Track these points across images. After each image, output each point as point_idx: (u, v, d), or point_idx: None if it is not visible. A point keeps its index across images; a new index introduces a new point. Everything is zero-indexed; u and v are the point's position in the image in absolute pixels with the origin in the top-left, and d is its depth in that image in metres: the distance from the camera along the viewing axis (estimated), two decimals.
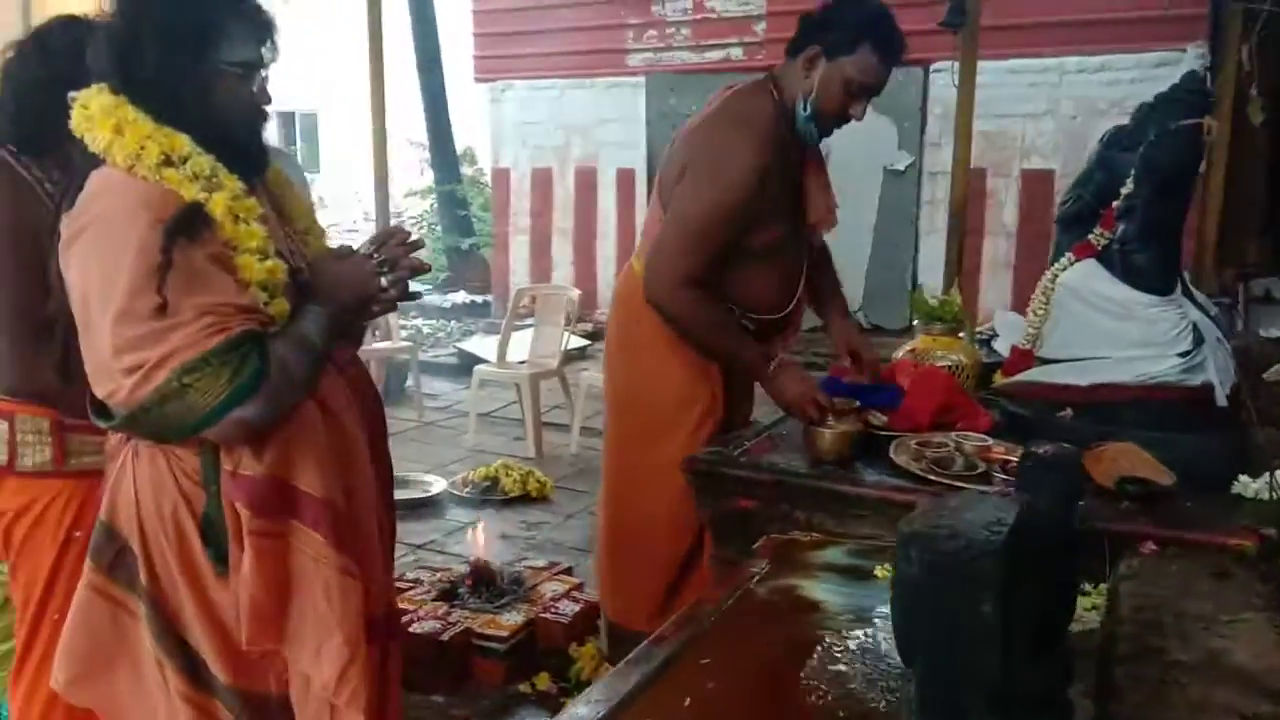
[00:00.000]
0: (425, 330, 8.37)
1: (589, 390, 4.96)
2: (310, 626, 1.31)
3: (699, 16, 7.59)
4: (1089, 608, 1.50)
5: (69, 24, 1.71)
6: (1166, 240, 2.05)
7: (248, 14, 1.33)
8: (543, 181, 8.48)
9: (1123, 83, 6.25)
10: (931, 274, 6.71)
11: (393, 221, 9.81)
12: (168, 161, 1.26)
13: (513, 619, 2.76)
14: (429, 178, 11.67)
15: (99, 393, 1.27)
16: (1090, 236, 2.16)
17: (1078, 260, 2.17)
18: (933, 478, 1.86)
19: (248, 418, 1.24)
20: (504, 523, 4.03)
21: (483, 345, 6.93)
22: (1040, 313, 2.24)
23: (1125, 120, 2.26)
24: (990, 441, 2.03)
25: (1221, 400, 1.98)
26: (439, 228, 11.29)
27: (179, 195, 1.25)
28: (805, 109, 2.07)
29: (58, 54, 1.67)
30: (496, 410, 6.00)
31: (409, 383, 6.17)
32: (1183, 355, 2.00)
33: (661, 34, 7.75)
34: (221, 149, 1.33)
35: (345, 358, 1.49)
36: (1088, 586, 1.55)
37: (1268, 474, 1.75)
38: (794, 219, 2.21)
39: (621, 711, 1.24)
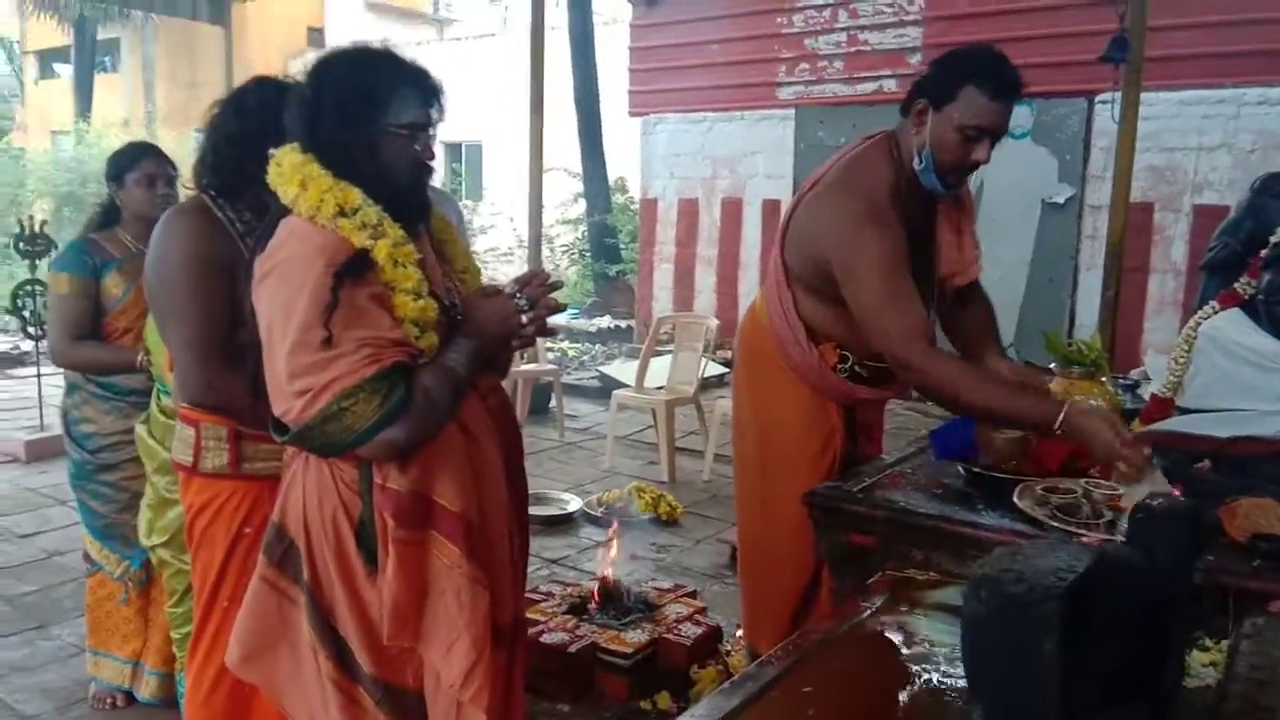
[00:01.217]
0: (571, 353, 8.67)
1: (723, 418, 5.03)
2: (442, 627, 1.45)
3: (852, 49, 7.61)
4: (1207, 663, 1.47)
5: (262, 85, 1.95)
6: None
7: (414, 81, 1.51)
8: (689, 212, 8.66)
9: None
10: (1090, 312, 6.45)
11: (544, 248, 10.19)
12: (341, 212, 1.44)
13: (637, 637, 2.86)
14: (582, 206, 12.07)
15: (276, 411, 1.46)
16: (1237, 285, 2.10)
17: (1222, 308, 2.11)
18: (1055, 524, 1.84)
19: (394, 439, 1.40)
20: (634, 544, 4.15)
21: (624, 370, 7.12)
22: (1181, 360, 2.18)
23: None
24: (1121, 490, 1.99)
25: None
26: (588, 255, 11.64)
27: (350, 242, 1.43)
28: (920, 163, 2.07)
29: (251, 112, 1.91)
30: (634, 433, 6.16)
31: (552, 403, 6.41)
32: None
33: (814, 67, 7.80)
34: (389, 200, 1.50)
35: (488, 386, 1.64)
36: (1209, 642, 1.52)
37: None
38: (916, 274, 2.21)
39: None
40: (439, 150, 1.63)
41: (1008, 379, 2.09)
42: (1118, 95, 5.00)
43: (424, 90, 1.51)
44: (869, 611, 1.72)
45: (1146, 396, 2.68)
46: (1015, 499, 1.94)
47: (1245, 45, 6.04)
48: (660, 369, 5.73)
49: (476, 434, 1.53)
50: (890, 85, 7.38)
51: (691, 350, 5.51)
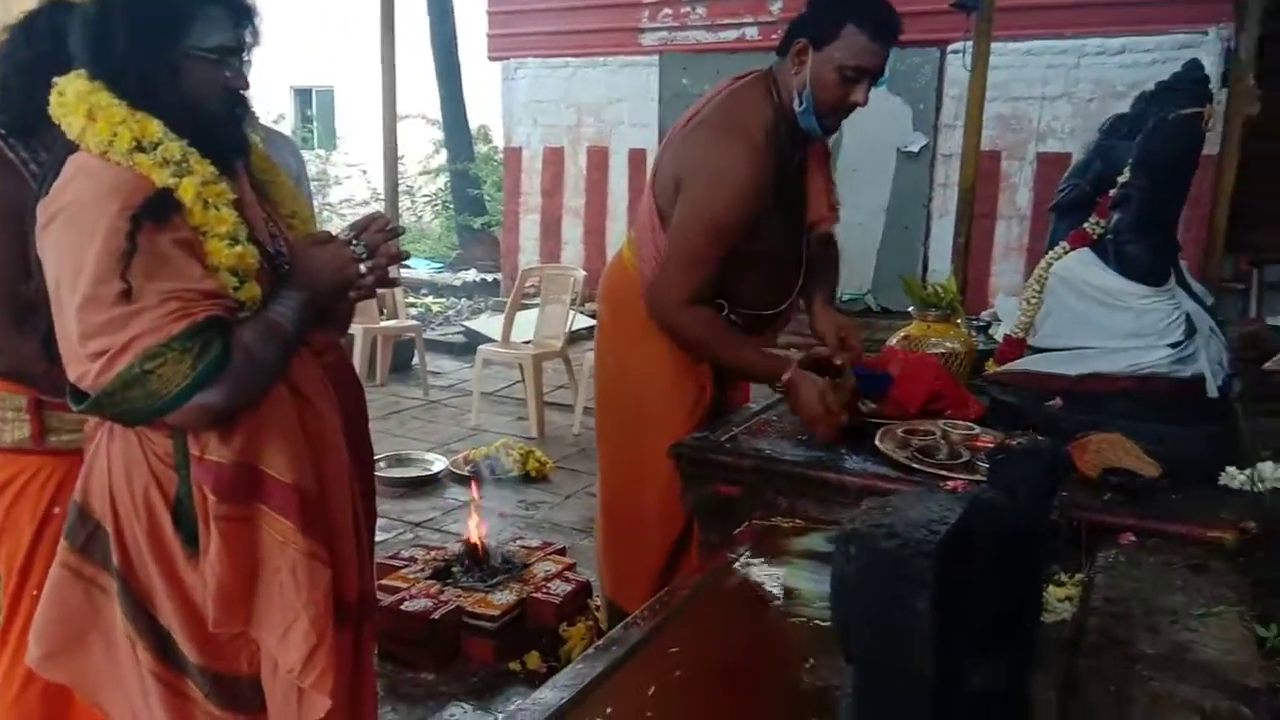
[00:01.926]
0: (434, 308, 8.40)
1: (592, 371, 4.94)
2: (277, 610, 1.32)
3: None
4: (1063, 598, 1.50)
5: (56, 7, 1.71)
6: (1161, 230, 2.02)
7: None
8: (554, 161, 8.46)
9: (1142, 65, 6.15)
10: (942, 258, 6.67)
11: (405, 199, 9.82)
12: (139, 147, 1.26)
13: (504, 598, 2.78)
14: (444, 156, 11.66)
15: (71, 376, 1.28)
16: (1086, 225, 2.14)
17: (1072, 249, 2.15)
18: (916, 466, 1.85)
19: (210, 404, 1.25)
20: (502, 501, 4.05)
21: (490, 324, 6.96)
22: (1034, 301, 2.22)
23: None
24: (978, 430, 2.02)
25: (1212, 391, 1.96)
26: (452, 206, 11.31)
27: (150, 181, 1.26)
28: (801, 104, 2.02)
29: (43, 37, 1.67)
30: (500, 389, 6.02)
31: (415, 361, 6.20)
32: (1174, 346, 1.97)
33: (676, 13, 7.69)
34: (196, 134, 1.33)
35: (324, 343, 1.49)
36: (1063, 577, 1.55)
37: (1252, 465, 1.73)
38: (791, 218, 2.17)
39: (585, 698, 1.25)
40: (288, 96, 1.46)
41: (747, 339, 2.20)
42: (969, 45, 5.12)
43: (233, 9, 1.34)
44: (736, 563, 1.69)
45: (998, 337, 2.74)
46: (877, 442, 1.94)
47: None
48: (527, 323, 5.59)
49: (310, 395, 1.38)
50: (752, 33, 7.36)
51: (559, 303, 5.39)
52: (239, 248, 1.30)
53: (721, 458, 1.98)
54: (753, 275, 2.17)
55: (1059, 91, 6.56)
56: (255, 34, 1.40)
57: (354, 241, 1.42)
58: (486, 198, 11.04)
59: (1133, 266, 2.02)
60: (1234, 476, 1.74)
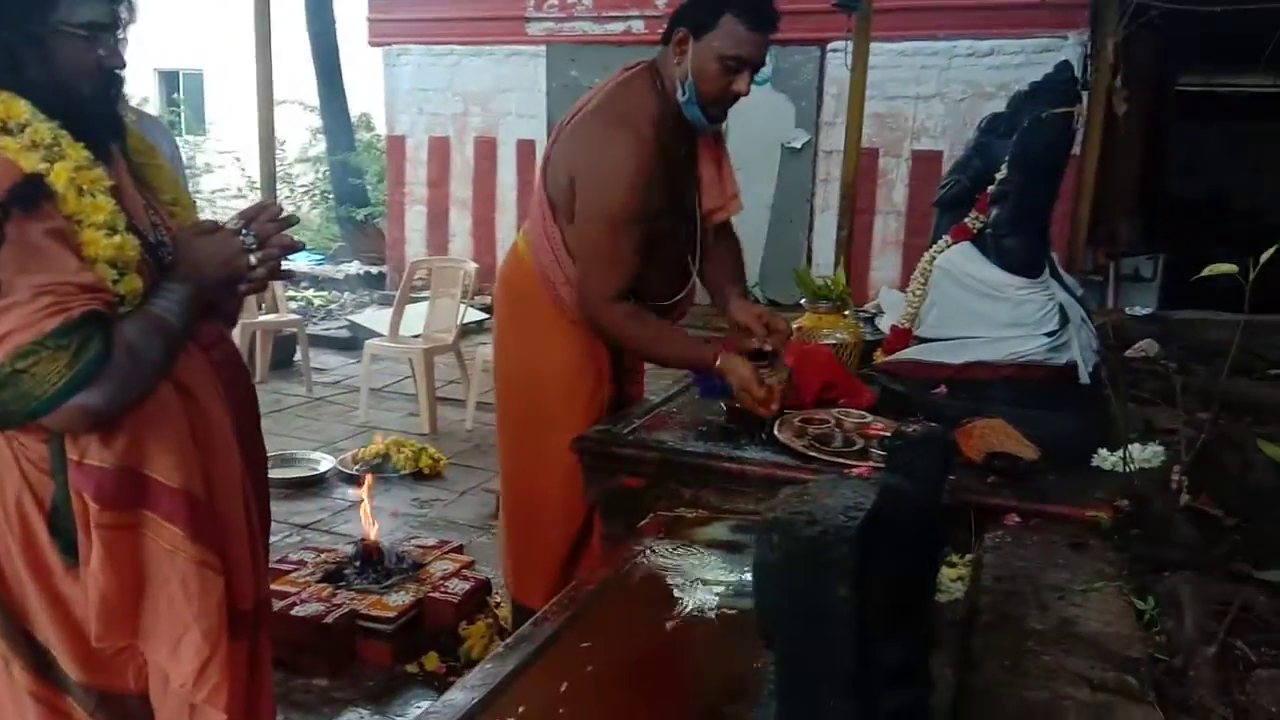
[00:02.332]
0: (316, 302, 8.12)
1: (485, 365, 4.89)
2: (166, 621, 1.25)
3: None
4: (955, 578, 1.56)
5: None
6: (1036, 225, 2.13)
7: None
8: (440, 151, 8.30)
9: (1009, 67, 6.45)
10: (825, 251, 6.84)
11: (280, 189, 9.45)
12: (4, 129, 1.18)
13: (400, 599, 2.71)
14: (324, 144, 11.27)
15: None
16: (966, 220, 2.23)
17: (954, 243, 2.24)
18: (813, 454, 1.90)
19: (89, 405, 1.17)
20: (395, 500, 3.96)
21: (376, 318, 6.78)
22: (919, 293, 2.30)
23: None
24: (870, 418, 2.08)
25: (1084, 378, 2.08)
26: (332, 197, 10.94)
27: (17, 166, 1.17)
28: (684, 94, 2.04)
29: None
30: (389, 385, 5.87)
31: (297, 357, 5.98)
32: (1049, 335, 2.08)
33: (563, 3, 7.64)
34: (67, 116, 1.24)
35: (212, 338, 1.42)
36: (955, 558, 1.61)
37: (1124, 448, 1.84)
38: (683, 209, 2.19)
39: (497, 698, 1.23)
40: (152, 79, 1.37)
41: (675, 328, 2.25)
42: (848, 44, 5.27)
43: None
44: (641, 555, 1.70)
45: (883, 327, 2.84)
46: (775, 432, 1.98)
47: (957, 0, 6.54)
48: (416, 316, 5.47)
49: (198, 394, 1.31)
50: (638, 26, 7.38)
51: (449, 296, 5.29)
52: (118, 238, 1.22)
53: (626, 450, 1.98)
54: (644, 267, 2.18)
55: (932, 91, 6.80)
56: (130, 9, 1.32)
57: (244, 231, 1.36)
58: (369, 188, 10.72)
59: (1010, 259, 2.12)
60: (1106, 458, 1.85)
